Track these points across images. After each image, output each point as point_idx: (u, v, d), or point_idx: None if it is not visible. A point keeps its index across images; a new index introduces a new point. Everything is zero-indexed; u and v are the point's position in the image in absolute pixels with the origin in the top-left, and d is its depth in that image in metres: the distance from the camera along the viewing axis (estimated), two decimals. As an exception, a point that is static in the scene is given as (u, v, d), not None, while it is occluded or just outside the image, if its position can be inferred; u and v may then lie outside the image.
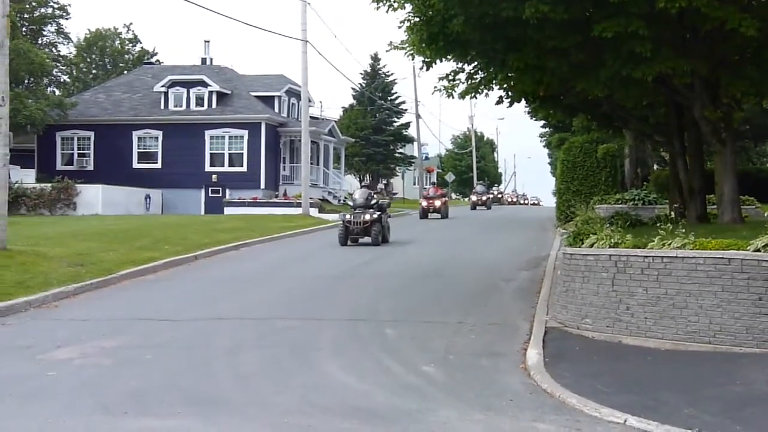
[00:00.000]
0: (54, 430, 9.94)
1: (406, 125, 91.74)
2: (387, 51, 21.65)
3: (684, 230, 14.83)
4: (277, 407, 10.90)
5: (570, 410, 10.77)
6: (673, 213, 23.48)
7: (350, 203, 32.38)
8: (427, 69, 20.31)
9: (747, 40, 17.71)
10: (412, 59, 20.90)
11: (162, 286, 22.19)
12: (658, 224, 17.14)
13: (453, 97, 21.63)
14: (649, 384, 11.76)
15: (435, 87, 21.55)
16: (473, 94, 21.91)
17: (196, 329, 16.45)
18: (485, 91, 21.82)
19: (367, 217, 31.10)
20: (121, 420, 10.23)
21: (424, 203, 53.25)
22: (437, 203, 52.72)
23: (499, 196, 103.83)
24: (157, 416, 10.47)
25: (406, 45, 20.01)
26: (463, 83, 21.44)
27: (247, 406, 11.03)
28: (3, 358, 13.96)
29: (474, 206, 70.61)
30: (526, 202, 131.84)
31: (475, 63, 21.06)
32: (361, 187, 33.77)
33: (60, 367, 13.16)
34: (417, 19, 19.01)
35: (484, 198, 72.51)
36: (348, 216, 31.51)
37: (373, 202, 31.83)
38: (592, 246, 15.91)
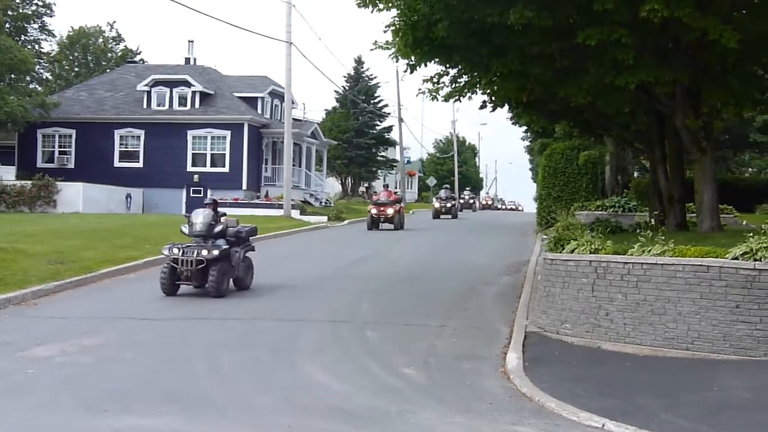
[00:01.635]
0: (33, 427, 9.94)
1: (389, 129, 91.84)
2: (371, 50, 21.86)
3: (664, 237, 14.95)
4: (258, 407, 10.95)
5: (549, 414, 10.87)
6: (653, 220, 23.62)
7: (184, 230, 21.23)
8: (412, 72, 20.36)
9: (728, 51, 17.84)
10: (396, 61, 20.92)
11: (143, 286, 22.13)
12: (638, 231, 17.25)
13: (437, 100, 21.69)
14: (628, 389, 11.88)
15: (419, 89, 21.71)
16: (457, 98, 22.02)
17: (177, 329, 16.47)
18: (469, 95, 21.89)
19: (204, 253, 19.90)
20: (101, 418, 10.23)
21: (374, 211, 44.55)
22: (389, 211, 44.02)
23: (471, 201, 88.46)
24: (138, 414, 10.48)
25: (391, 45, 20.06)
26: (447, 86, 21.51)
27: (229, 405, 11.06)
28: (-18, 354, 13.92)
29: (437, 214, 59.14)
30: (503, 207, 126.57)
31: (460, 67, 21.13)
32: (204, 205, 21.65)
33: (40, 365, 13.15)
34: (402, 23, 19.07)
35: (449, 205, 60.87)
36: (177, 250, 20.27)
37: (218, 229, 20.74)
38: (572, 252, 16.00)
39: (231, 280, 20.76)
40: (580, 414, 10.60)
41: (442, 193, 65.09)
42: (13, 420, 10.12)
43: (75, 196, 50.70)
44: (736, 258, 13.39)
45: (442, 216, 58.53)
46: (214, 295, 19.63)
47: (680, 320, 13.72)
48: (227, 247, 20.51)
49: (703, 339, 13.45)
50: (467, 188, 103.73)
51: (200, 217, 20.87)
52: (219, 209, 21.64)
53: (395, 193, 48.94)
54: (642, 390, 11.75)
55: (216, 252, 19.97)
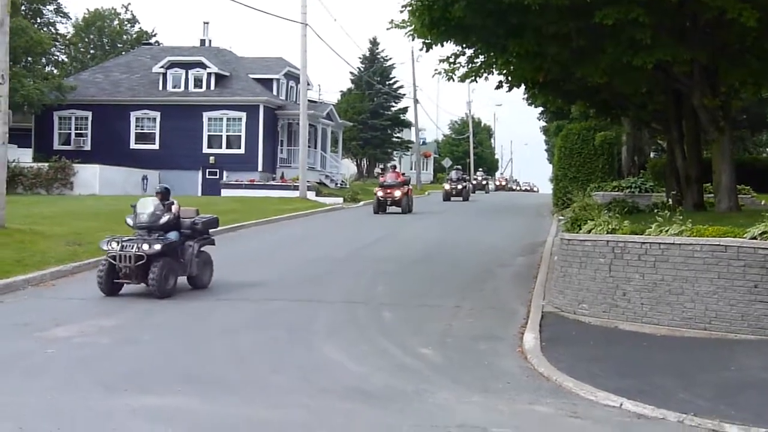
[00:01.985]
0: (53, 406, 9.99)
1: (404, 110, 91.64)
2: (387, 29, 21.64)
3: (681, 217, 14.89)
4: (275, 387, 10.99)
5: (566, 393, 10.86)
6: (670, 200, 23.54)
7: (129, 221, 18.32)
8: (427, 50, 20.26)
9: (747, 29, 17.70)
10: (412, 40, 20.90)
11: (159, 267, 22.16)
12: (655, 211, 17.17)
13: (453, 80, 21.66)
14: (645, 369, 11.86)
15: (435, 70, 21.57)
16: (473, 78, 21.93)
17: (193, 309, 16.52)
18: (485, 75, 21.84)
19: (145, 247, 17.32)
20: (120, 397, 10.28)
21: (380, 193, 41.91)
22: (397, 193, 41.44)
23: (483, 182, 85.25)
24: (156, 394, 10.53)
25: (407, 24, 19.99)
26: (463, 67, 21.46)
27: (245, 385, 11.10)
28: (1, 335, 14.00)
29: (447, 197, 56.81)
30: (517, 188, 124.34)
31: (476, 47, 21.05)
32: (156, 193, 18.75)
33: (58, 345, 13.23)
34: (419, 3, 18.99)
35: (460, 187, 58.20)
36: (115, 244, 17.53)
37: (165, 219, 18.08)
38: (589, 232, 15.96)
39: (187, 278, 18.48)
40: (597, 393, 10.59)
41: (453, 174, 62.05)
42: (33, 399, 10.17)
43: (91, 178, 50.86)
44: (755, 238, 13.33)
45: (452, 198, 56.48)
46: (157, 295, 17.14)
47: (698, 300, 13.67)
48: (175, 240, 18.08)
49: (720, 319, 13.41)
50: (480, 169, 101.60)
51: (146, 206, 18.25)
52: (171, 198, 18.66)
53: (403, 174, 46.10)
54: (659, 370, 11.74)
55: (158, 246, 17.34)
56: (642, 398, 10.25)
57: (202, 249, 18.81)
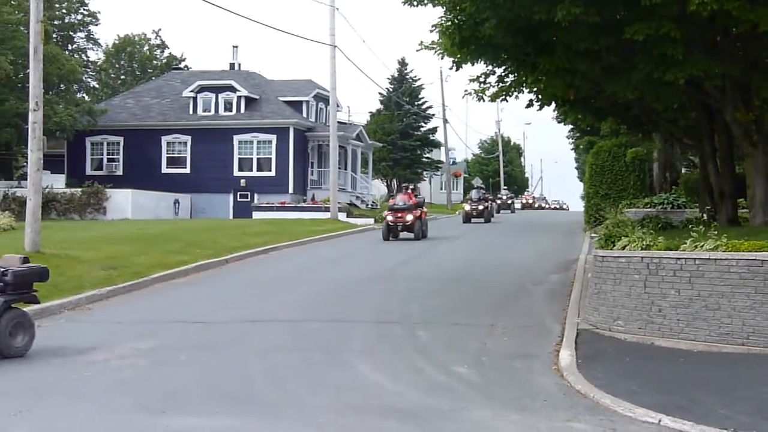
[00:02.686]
0: (95, 428, 10.08)
1: (433, 130, 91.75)
2: (417, 50, 21.67)
3: (716, 232, 14.82)
4: (312, 407, 11.00)
5: (604, 410, 10.81)
6: (704, 216, 23.41)
7: None
8: (457, 69, 20.34)
9: (779, 43, 17.68)
10: (442, 59, 20.93)
11: (193, 290, 22.34)
12: (689, 227, 17.10)
13: (483, 100, 21.72)
14: (683, 385, 11.78)
15: (465, 90, 21.65)
16: (503, 97, 21.96)
17: (228, 331, 16.59)
18: (515, 94, 21.86)
19: None
20: (160, 418, 10.35)
21: (390, 217, 36.77)
22: (408, 217, 36.21)
23: (509, 201, 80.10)
24: (195, 415, 10.60)
25: (436, 46, 20.07)
26: (493, 86, 21.52)
27: (283, 405, 11.13)
28: (40, 359, 14.10)
29: (467, 218, 52.42)
30: (546, 206, 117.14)
31: (506, 66, 21.10)
32: None
33: (96, 368, 13.32)
34: (449, 23, 19.07)
35: (481, 207, 53.21)
36: None
37: None
38: (623, 248, 15.93)
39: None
40: (636, 410, 10.52)
41: (474, 193, 56.57)
42: (76, 422, 10.28)
43: (124, 202, 51.31)
44: (791, 252, 13.25)
45: (473, 220, 52.23)
46: None
47: (735, 315, 13.59)
48: None
49: (758, 334, 13.32)
50: (505, 187, 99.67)
51: None
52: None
53: (416, 195, 41.31)
54: (698, 385, 11.65)
55: None
56: (681, 414, 10.18)
57: (12, 307, 14.31)
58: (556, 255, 29.57)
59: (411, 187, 45.70)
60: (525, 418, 10.49)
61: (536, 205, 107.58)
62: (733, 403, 10.61)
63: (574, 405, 11.12)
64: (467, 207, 54.10)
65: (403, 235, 36.65)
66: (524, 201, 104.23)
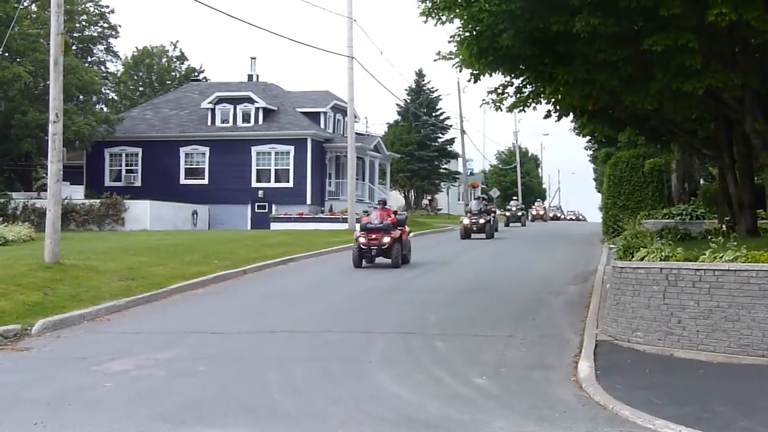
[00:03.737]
0: (115, 438, 10.12)
1: (451, 141, 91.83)
2: (435, 61, 21.66)
3: (735, 244, 14.77)
4: (331, 417, 11.01)
5: (623, 422, 10.78)
6: (723, 227, 23.33)
7: None
8: (475, 81, 20.36)
9: (798, 53, 17.65)
10: (460, 71, 20.98)
11: (212, 300, 22.39)
12: (708, 238, 17.06)
13: (501, 111, 21.76)
14: (703, 396, 11.73)
15: (483, 100, 21.65)
16: (521, 108, 21.99)
17: (247, 342, 16.61)
18: (533, 104, 21.88)
19: None
20: (179, 428, 10.40)
21: (362, 239, 29.84)
22: (385, 239, 29.42)
23: (519, 213, 68.23)
24: (215, 425, 10.63)
25: (454, 56, 20.11)
26: (511, 97, 21.52)
27: (302, 416, 11.15)
28: (60, 369, 14.20)
29: (466, 234, 45.54)
30: (562, 216, 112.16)
31: (524, 77, 21.11)
32: None
33: (116, 379, 13.37)
34: (467, 34, 19.10)
35: (482, 221, 45.89)
36: None
37: None
38: (642, 259, 15.89)
39: None
40: (655, 422, 10.49)
41: (473, 205, 48.75)
42: (97, 431, 10.31)
43: (142, 213, 51.48)
44: (812, 262, 13.19)
45: (473, 235, 45.44)
46: None
47: (755, 327, 13.54)
48: None
49: (779, 345, 13.26)
50: (514, 198, 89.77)
51: None
52: None
53: (395, 212, 32.33)
54: (718, 397, 11.61)
55: None
56: (701, 426, 10.15)
57: None
58: (575, 266, 29.45)
59: (429, 198, 44.41)
60: (544, 429, 10.48)
61: (549, 216, 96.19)
62: (754, 415, 10.58)
63: (594, 416, 11.09)
64: (465, 221, 46.16)
65: (381, 260, 30.21)
66: (535, 212, 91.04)
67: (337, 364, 14.37)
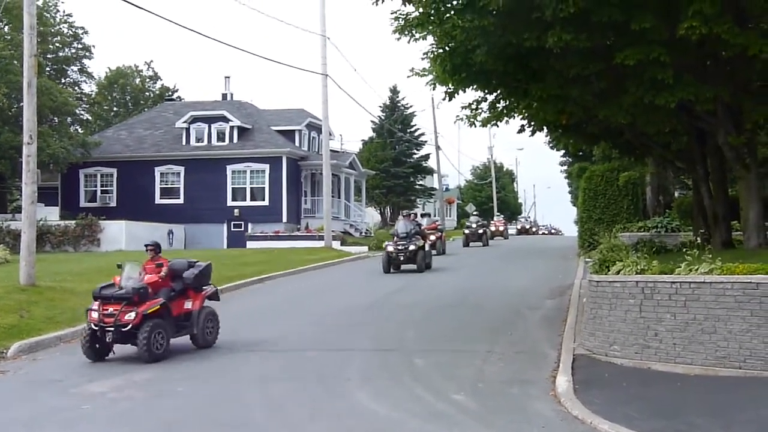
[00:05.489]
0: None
1: (426, 157, 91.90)
2: (408, 77, 21.81)
3: (710, 256, 14.84)
4: (311, 436, 10.99)
5: (602, 436, 10.79)
6: (698, 239, 23.43)
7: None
8: (450, 100, 20.41)
9: (769, 66, 17.76)
10: (434, 89, 21.00)
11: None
12: (683, 250, 17.12)
13: (475, 126, 21.78)
14: (680, 409, 11.76)
15: (457, 116, 21.71)
16: (495, 123, 22.00)
17: (225, 360, 16.55)
18: (507, 119, 21.92)
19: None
20: (157, 450, 10.34)
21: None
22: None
23: (480, 231, 59.72)
24: (194, 446, 10.58)
25: (428, 73, 20.16)
26: (485, 112, 21.57)
27: (282, 435, 11.11)
28: (37, 392, 14.12)
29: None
30: (535, 230, 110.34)
31: (498, 92, 21.17)
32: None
33: (94, 401, 13.31)
34: (440, 51, 19.15)
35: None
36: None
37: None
38: (618, 273, 15.93)
39: None
40: (634, 435, 10.52)
41: (401, 225, 41.22)
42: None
43: (118, 233, 51.21)
44: (786, 274, 13.27)
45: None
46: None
47: (731, 339, 13.59)
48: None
49: (755, 357, 13.31)
50: (474, 212, 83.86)
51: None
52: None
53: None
54: (695, 410, 11.64)
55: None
56: (680, 438, 10.17)
57: None
58: (552, 280, 29.52)
59: (413, 213, 44.37)
60: (524, 444, 10.48)
61: (504, 232, 75.88)
62: (731, 427, 10.62)
63: (572, 431, 11.11)
64: (390, 247, 39.70)
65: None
66: (493, 228, 73.47)
67: (317, 381, 14.38)
